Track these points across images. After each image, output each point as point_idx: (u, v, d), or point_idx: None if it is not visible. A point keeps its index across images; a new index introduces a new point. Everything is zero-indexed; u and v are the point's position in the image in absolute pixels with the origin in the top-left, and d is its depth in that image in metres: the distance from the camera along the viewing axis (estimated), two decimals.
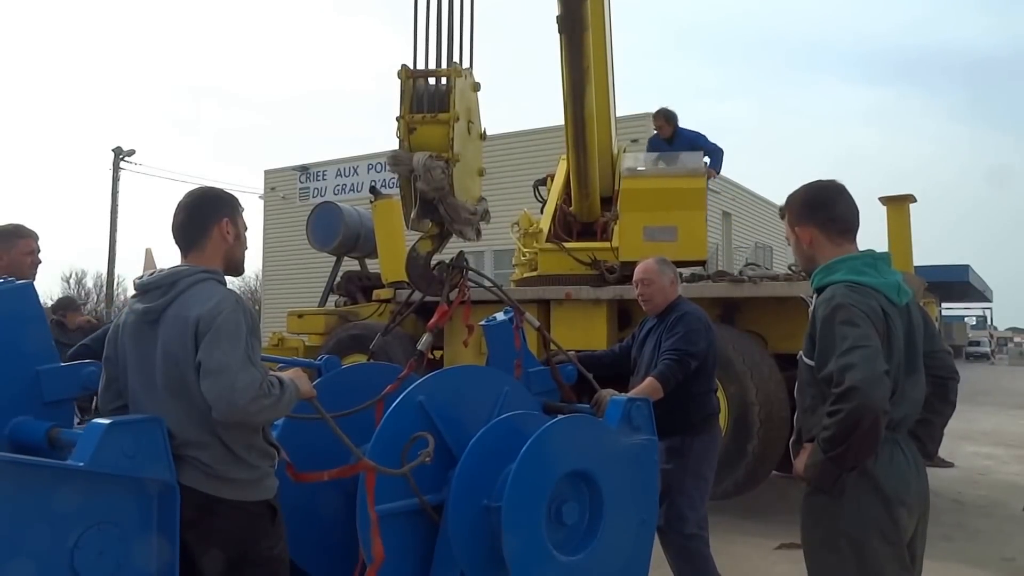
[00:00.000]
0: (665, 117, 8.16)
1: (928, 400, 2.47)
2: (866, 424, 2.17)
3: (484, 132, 3.96)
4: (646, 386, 3.60)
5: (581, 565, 2.78)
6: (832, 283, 2.39)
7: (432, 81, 3.72)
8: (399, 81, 3.71)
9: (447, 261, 3.65)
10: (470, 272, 3.64)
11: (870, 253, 2.44)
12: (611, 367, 4.12)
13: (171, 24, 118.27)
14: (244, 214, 2.52)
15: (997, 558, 5.47)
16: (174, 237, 2.43)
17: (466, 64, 3.78)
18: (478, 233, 3.76)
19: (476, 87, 3.87)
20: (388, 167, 3.75)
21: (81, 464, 1.98)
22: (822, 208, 2.49)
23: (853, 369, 2.18)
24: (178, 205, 2.43)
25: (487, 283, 3.78)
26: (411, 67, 3.72)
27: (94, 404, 8.07)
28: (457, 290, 3.62)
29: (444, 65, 3.73)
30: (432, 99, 3.67)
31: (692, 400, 3.82)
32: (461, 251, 3.70)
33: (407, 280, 3.84)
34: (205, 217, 2.41)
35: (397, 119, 3.67)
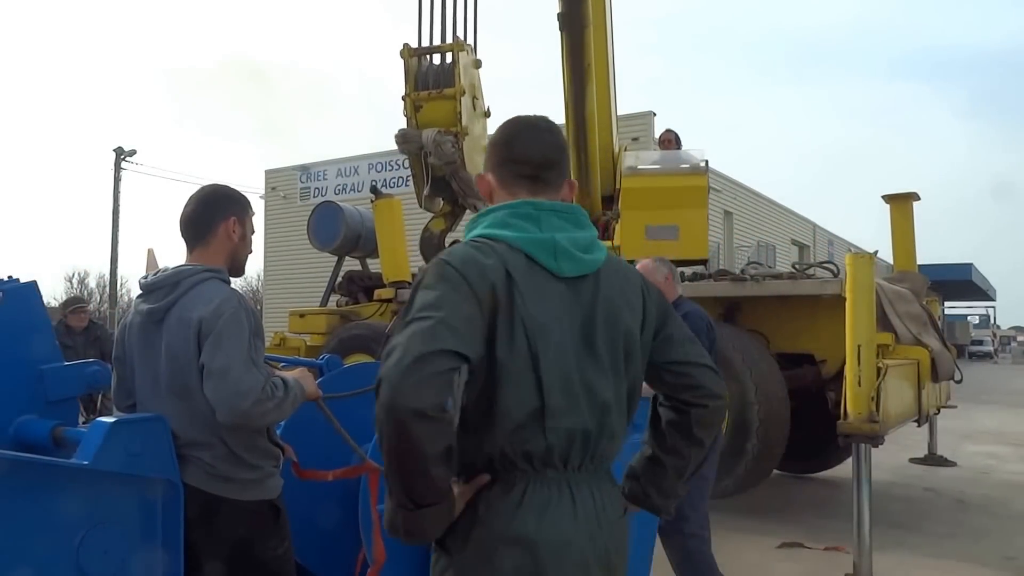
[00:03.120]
0: (676, 137, 8.32)
1: (663, 432, 1.76)
2: (395, 435, 1.41)
3: (488, 110, 3.95)
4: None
5: None
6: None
7: (436, 60, 3.71)
8: (402, 61, 3.69)
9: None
10: None
11: (535, 203, 1.67)
12: None
13: (172, 23, 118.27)
14: (252, 217, 2.52)
15: (999, 557, 5.47)
16: (181, 230, 2.42)
17: (469, 42, 3.77)
18: None
19: (478, 64, 3.87)
20: (397, 146, 3.74)
21: (85, 463, 1.98)
22: (503, 145, 1.76)
23: (392, 354, 1.44)
24: (189, 198, 2.42)
25: None
26: (412, 46, 3.71)
27: (99, 402, 8.06)
28: None
29: (447, 43, 3.72)
30: (437, 76, 3.66)
31: None
32: None
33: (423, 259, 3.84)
34: (214, 213, 2.40)
35: (403, 98, 3.66)
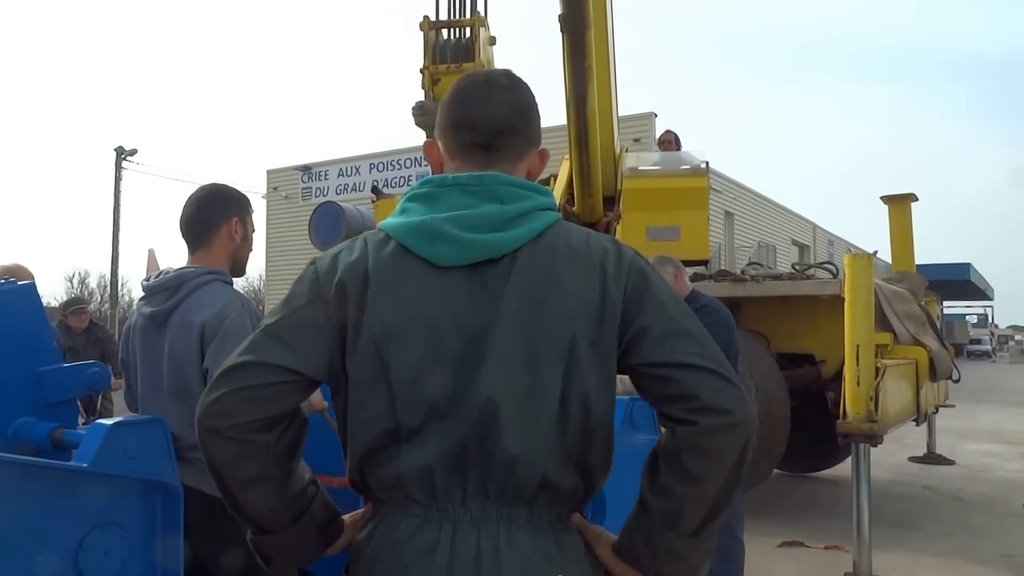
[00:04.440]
0: (676, 138, 8.29)
1: (656, 462, 1.24)
2: (203, 453, 1.25)
3: None
4: None
5: None
6: None
7: (455, 34, 3.72)
8: (421, 33, 3.70)
9: None
10: None
11: (442, 179, 1.34)
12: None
13: (172, 22, 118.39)
14: (252, 215, 2.51)
15: (998, 555, 5.48)
16: (181, 231, 2.41)
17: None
18: None
19: (492, 41, 3.88)
20: (414, 118, 3.73)
21: (84, 465, 1.99)
22: (450, 106, 1.39)
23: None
24: (189, 199, 2.41)
25: None
26: (432, 18, 3.72)
27: (98, 404, 8.08)
28: None
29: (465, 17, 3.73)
30: (456, 50, 3.67)
31: None
32: None
33: None
34: (215, 214, 2.38)
35: (421, 70, 3.67)
